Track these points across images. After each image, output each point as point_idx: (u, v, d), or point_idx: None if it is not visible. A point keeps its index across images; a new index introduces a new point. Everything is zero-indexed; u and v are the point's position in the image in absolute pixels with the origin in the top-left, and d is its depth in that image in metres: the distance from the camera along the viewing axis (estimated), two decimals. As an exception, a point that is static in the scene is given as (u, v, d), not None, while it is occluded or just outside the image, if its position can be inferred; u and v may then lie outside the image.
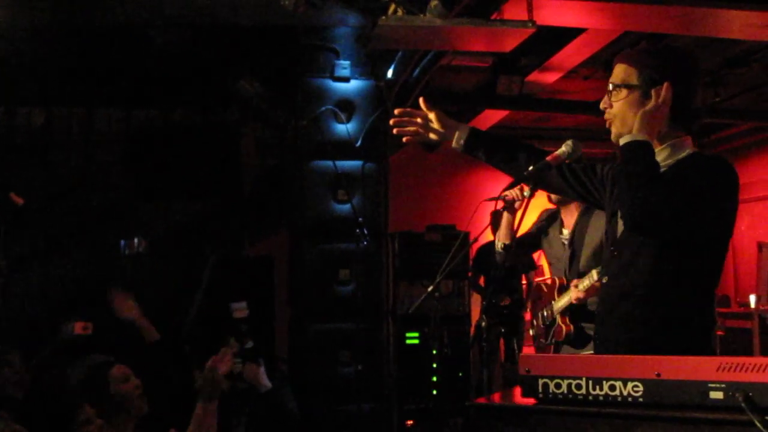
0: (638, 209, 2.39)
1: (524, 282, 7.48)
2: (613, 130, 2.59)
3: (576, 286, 4.26)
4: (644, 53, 2.61)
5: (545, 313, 4.63)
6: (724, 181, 2.46)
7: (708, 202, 2.41)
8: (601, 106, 2.62)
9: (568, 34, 5.37)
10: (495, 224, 6.96)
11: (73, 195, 6.01)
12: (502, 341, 7.13)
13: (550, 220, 4.67)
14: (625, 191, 2.44)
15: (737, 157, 8.93)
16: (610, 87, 2.59)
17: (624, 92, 2.55)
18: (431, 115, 2.85)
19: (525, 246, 4.97)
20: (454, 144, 2.89)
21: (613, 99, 2.57)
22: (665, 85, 2.48)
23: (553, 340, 4.51)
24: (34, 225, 5.51)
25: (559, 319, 4.46)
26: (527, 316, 5.59)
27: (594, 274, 4.08)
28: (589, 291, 4.22)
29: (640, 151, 2.43)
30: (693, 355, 1.87)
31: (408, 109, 2.86)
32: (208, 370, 3.50)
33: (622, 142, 2.47)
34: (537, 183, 2.80)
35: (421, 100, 2.90)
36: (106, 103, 6.00)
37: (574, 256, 4.44)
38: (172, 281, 5.50)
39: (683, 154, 2.53)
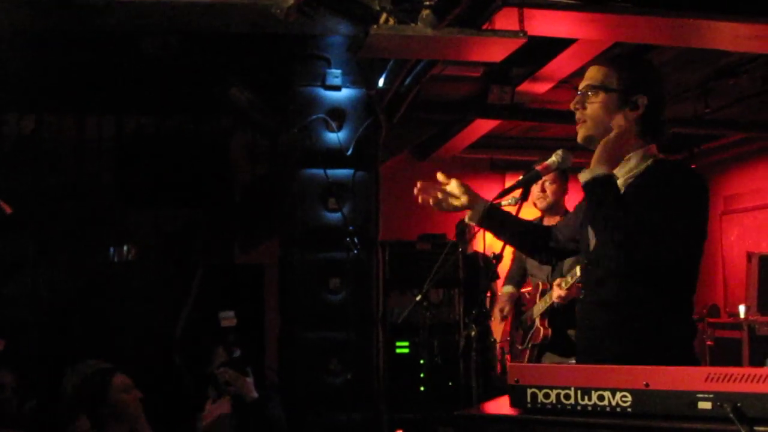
0: (628, 254, 2.36)
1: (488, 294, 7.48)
2: (582, 132, 2.59)
3: (559, 285, 4.29)
4: (625, 60, 2.68)
5: (524, 318, 4.65)
6: (691, 190, 2.45)
7: (680, 216, 2.38)
8: (572, 105, 2.61)
9: (559, 45, 5.39)
10: (459, 234, 7.03)
11: (63, 202, 5.98)
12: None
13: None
14: (604, 234, 2.42)
15: (727, 168, 8.97)
16: (585, 88, 2.58)
17: (602, 95, 2.54)
18: (451, 186, 2.85)
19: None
20: (467, 219, 2.90)
21: (588, 101, 2.56)
22: (642, 97, 2.49)
23: (530, 344, 4.53)
24: (24, 232, 5.48)
25: (537, 322, 4.50)
26: (497, 325, 5.59)
27: (577, 271, 4.10)
28: (571, 290, 4.25)
29: (602, 190, 2.38)
30: (675, 363, 1.87)
31: (427, 183, 2.86)
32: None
33: (582, 179, 2.43)
34: (527, 192, 2.80)
35: (438, 174, 2.91)
36: (96, 110, 5.98)
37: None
38: (162, 289, 5.48)
39: (649, 161, 2.52)
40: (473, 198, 2.84)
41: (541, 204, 4.67)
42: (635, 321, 2.45)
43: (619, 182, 2.52)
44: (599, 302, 2.54)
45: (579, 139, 2.62)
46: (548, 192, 4.62)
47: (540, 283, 4.61)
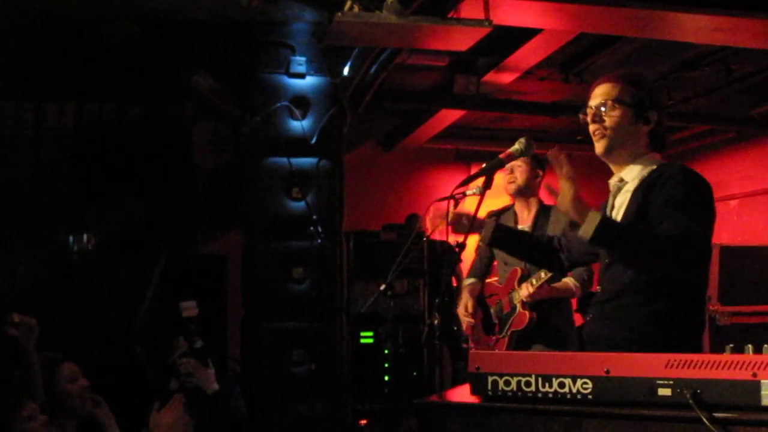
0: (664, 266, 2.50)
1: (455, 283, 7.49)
2: (604, 143, 2.72)
3: (529, 284, 4.30)
4: (635, 77, 2.77)
5: (501, 305, 4.58)
6: (703, 189, 2.60)
7: (701, 222, 2.53)
8: (590, 119, 2.73)
9: (524, 35, 5.39)
10: (407, 227, 6.98)
11: (22, 192, 5.87)
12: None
13: (497, 219, 4.68)
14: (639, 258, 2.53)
15: (690, 159, 9.06)
16: (602, 103, 2.70)
17: (619, 109, 2.69)
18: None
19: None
20: (480, 241, 3.16)
21: (607, 114, 2.69)
22: (653, 113, 2.69)
23: (509, 331, 4.45)
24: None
25: (519, 308, 4.43)
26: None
27: (542, 274, 4.16)
28: (541, 289, 4.26)
29: (612, 230, 2.48)
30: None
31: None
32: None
33: (586, 235, 2.46)
34: (490, 180, 2.82)
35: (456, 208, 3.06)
36: (56, 97, 5.87)
37: None
38: (123, 279, 5.40)
39: (654, 166, 2.69)
40: (478, 223, 3.04)
41: (511, 188, 4.61)
42: (646, 312, 2.56)
43: (632, 185, 2.70)
44: (612, 292, 2.66)
45: (600, 150, 2.74)
46: (516, 174, 4.57)
47: (519, 269, 4.54)
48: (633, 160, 2.72)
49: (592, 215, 2.45)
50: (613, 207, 2.76)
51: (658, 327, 2.54)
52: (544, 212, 4.57)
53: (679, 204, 2.50)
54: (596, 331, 2.71)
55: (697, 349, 2.59)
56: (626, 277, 2.60)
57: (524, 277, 4.46)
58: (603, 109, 2.69)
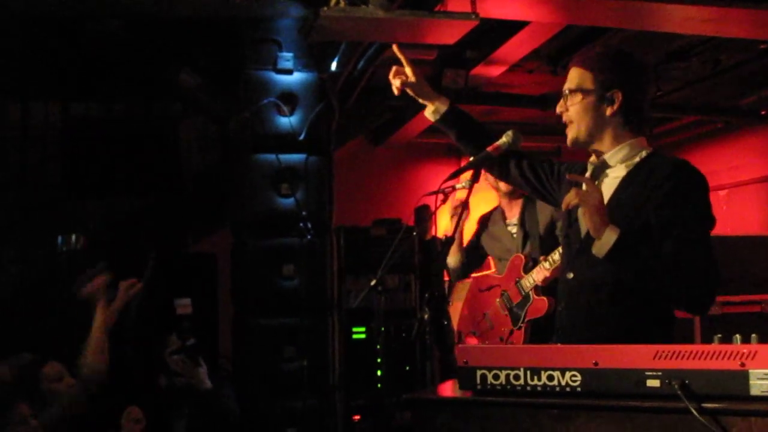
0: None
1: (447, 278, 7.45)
2: (570, 134, 2.65)
3: (543, 267, 4.18)
4: (599, 58, 2.65)
5: (507, 296, 4.43)
6: (702, 186, 2.50)
7: (704, 231, 2.45)
8: (558, 110, 2.67)
9: (511, 28, 5.37)
10: (418, 220, 6.97)
11: (8, 192, 5.84)
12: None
13: (485, 221, 4.65)
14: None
15: (679, 150, 9.06)
16: (566, 92, 2.64)
17: (579, 96, 2.60)
18: (409, 73, 2.98)
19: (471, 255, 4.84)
20: (428, 113, 3.03)
21: (569, 103, 2.63)
22: (617, 93, 2.54)
23: (525, 322, 4.30)
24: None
25: (534, 295, 4.33)
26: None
27: (555, 256, 4.06)
28: (554, 271, 4.15)
29: (626, 250, 2.37)
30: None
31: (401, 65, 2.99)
32: None
33: (600, 252, 2.39)
34: (478, 173, 2.80)
35: (394, 47, 3.02)
36: (42, 96, 5.84)
37: (528, 236, 4.43)
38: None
39: (643, 153, 2.59)
40: (431, 94, 2.99)
41: (505, 187, 4.56)
42: (623, 305, 2.48)
43: (618, 170, 2.58)
44: (588, 286, 2.56)
45: (568, 141, 2.66)
46: (500, 184, 4.50)
47: (523, 256, 4.45)
48: (615, 143, 2.61)
49: (608, 233, 2.36)
50: None
51: (635, 325, 2.46)
52: (530, 203, 4.54)
53: (696, 227, 2.42)
54: (569, 326, 2.62)
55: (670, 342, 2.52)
56: (602, 267, 2.47)
57: (529, 265, 4.38)
58: (566, 97, 2.63)
